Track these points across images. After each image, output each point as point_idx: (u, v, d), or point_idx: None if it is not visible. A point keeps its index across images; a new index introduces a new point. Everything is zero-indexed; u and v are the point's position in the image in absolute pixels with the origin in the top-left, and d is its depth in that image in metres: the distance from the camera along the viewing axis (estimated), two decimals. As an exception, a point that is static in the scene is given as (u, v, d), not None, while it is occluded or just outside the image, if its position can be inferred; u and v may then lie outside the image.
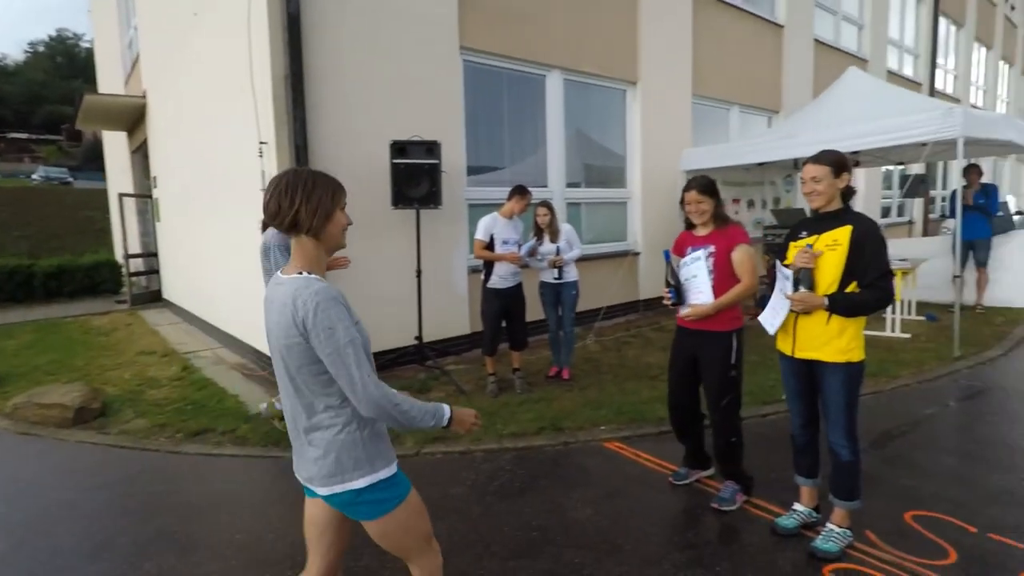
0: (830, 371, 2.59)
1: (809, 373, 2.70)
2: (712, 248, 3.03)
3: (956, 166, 7.11)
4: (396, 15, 5.73)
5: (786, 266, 2.69)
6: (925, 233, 15.21)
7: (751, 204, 9.33)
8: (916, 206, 15.82)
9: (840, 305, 2.50)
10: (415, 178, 5.42)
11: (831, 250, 2.54)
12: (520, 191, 5.07)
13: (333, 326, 1.57)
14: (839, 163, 2.60)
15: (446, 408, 1.77)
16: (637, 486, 3.45)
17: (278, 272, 1.73)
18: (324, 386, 1.64)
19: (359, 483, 1.66)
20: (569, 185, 7.76)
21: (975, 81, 20.18)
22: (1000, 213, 7.64)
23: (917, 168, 13.23)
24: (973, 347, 6.01)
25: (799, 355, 2.67)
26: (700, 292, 3.01)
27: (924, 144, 5.98)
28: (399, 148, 5.35)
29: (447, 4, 6.12)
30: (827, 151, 2.66)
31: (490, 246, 5.02)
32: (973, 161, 7.81)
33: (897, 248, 8.34)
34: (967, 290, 7.89)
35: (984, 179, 7.69)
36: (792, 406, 2.84)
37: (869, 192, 13.79)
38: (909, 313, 7.55)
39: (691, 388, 3.24)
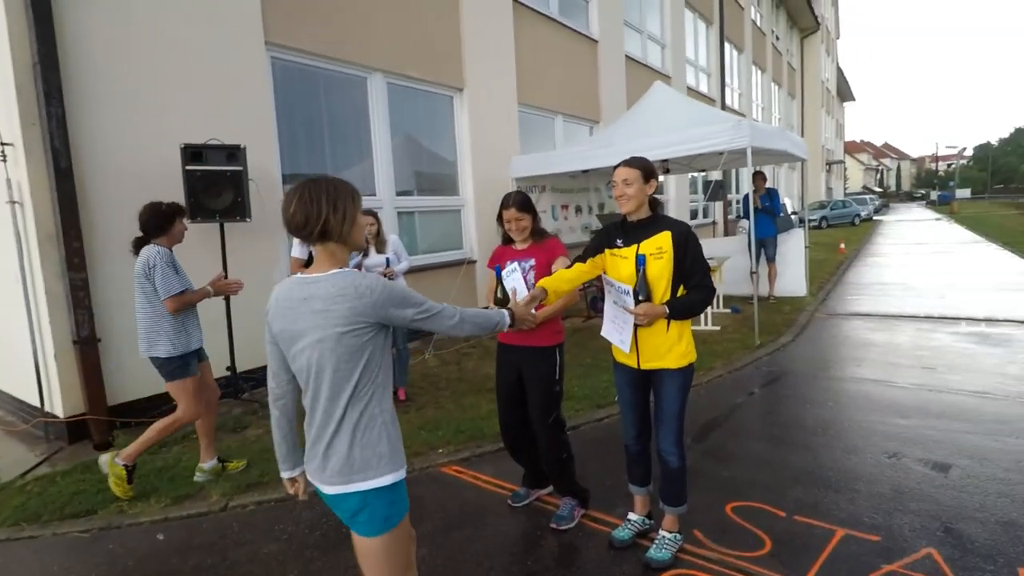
0: (671, 377, 2.60)
1: (646, 383, 2.70)
2: (533, 261, 2.99)
3: (746, 173, 7.93)
4: (179, 6, 4.99)
5: (610, 279, 2.63)
6: (726, 233, 17.18)
7: (578, 210, 9.73)
8: (717, 209, 17.82)
9: (679, 310, 2.52)
10: (215, 187, 4.74)
11: (657, 258, 2.52)
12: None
13: (405, 295, 1.75)
14: (648, 169, 2.62)
15: (506, 314, 2.11)
16: (476, 514, 3.25)
17: (297, 274, 1.78)
18: (365, 378, 1.70)
19: (383, 480, 1.71)
20: (400, 193, 7.43)
21: (755, 99, 23.32)
22: (782, 214, 8.73)
23: (716, 175, 14.87)
24: (770, 335, 6.74)
25: (644, 366, 2.64)
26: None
27: (721, 153, 6.59)
28: (193, 153, 4.64)
29: (248, -4, 5.49)
30: (637, 156, 2.68)
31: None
32: (758, 169, 8.83)
33: (704, 247, 9.20)
34: (761, 283, 8.93)
35: (768, 184, 8.74)
36: (627, 417, 2.81)
37: (679, 197, 15.20)
38: (718, 307, 8.33)
39: (520, 405, 3.12)
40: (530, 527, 3.09)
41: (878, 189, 73.76)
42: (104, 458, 3.60)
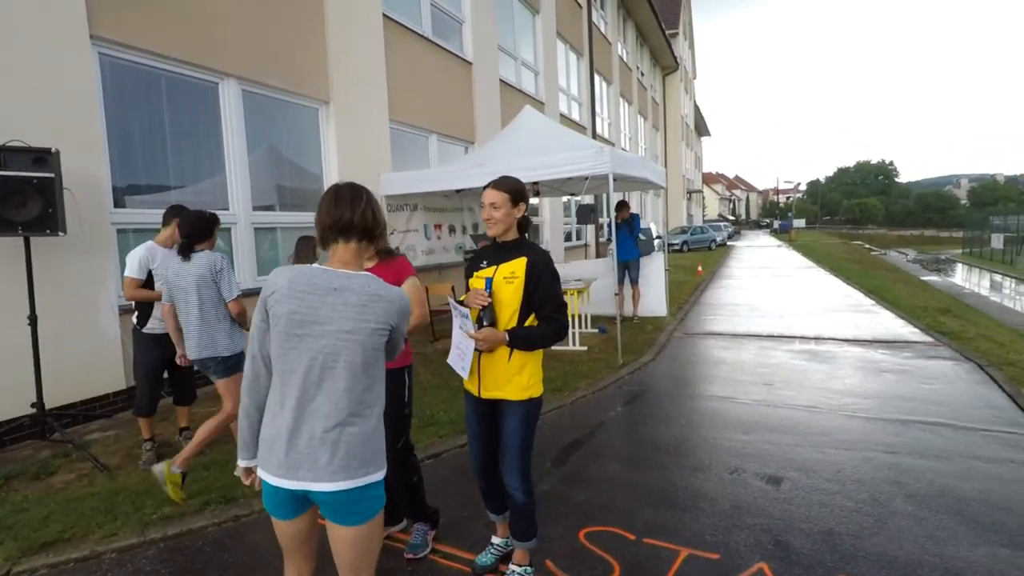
0: (511, 410, 2.51)
1: (492, 414, 2.60)
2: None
3: (616, 198, 8.29)
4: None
5: (461, 303, 2.56)
6: (598, 255, 17.96)
7: (452, 230, 9.64)
8: (589, 231, 18.61)
9: (520, 339, 2.43)
10: (18, 195, 4.07)
11: (509, 283, 2.46)
12: (176, 212, 4.16)
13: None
14: (517, 192, 2.54)
15: None
16: (321, 557, 2.95)
17: (324, 266, 1.81)
18: (375, 375, 1.79)
19: (381, 474, 1.79)
20: (258, 208, 6.90)
21: (623, 129, 24.81)
22: (643, 237, 9.22)
23: (589, 199, 15.51)
24: (633, 354, 7.02)
25: (485, 395, 2.55)
26: None
27: (586, 178, 6.82)
28: (-13, 156, 3.95)
29: (67, -20, 4.84)
30: (507, 177, 2.58)
31: (148, 283, 4.04)
32: (622, 197, 9.33)
33: (573, 269, 9.47)
34: (626, 303, 9.35)
35: (632, 210, 9.21)
36: (473, 448, 2.70)
37: (553, 219, 15.67)
38: (585, 327, 8.58)
39: None
40: (383, 568, 2.86)
41: (731, 217, 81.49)
42: (159, 467, 3.52)
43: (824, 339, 7.85)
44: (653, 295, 9.38)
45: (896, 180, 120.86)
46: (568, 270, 9.44)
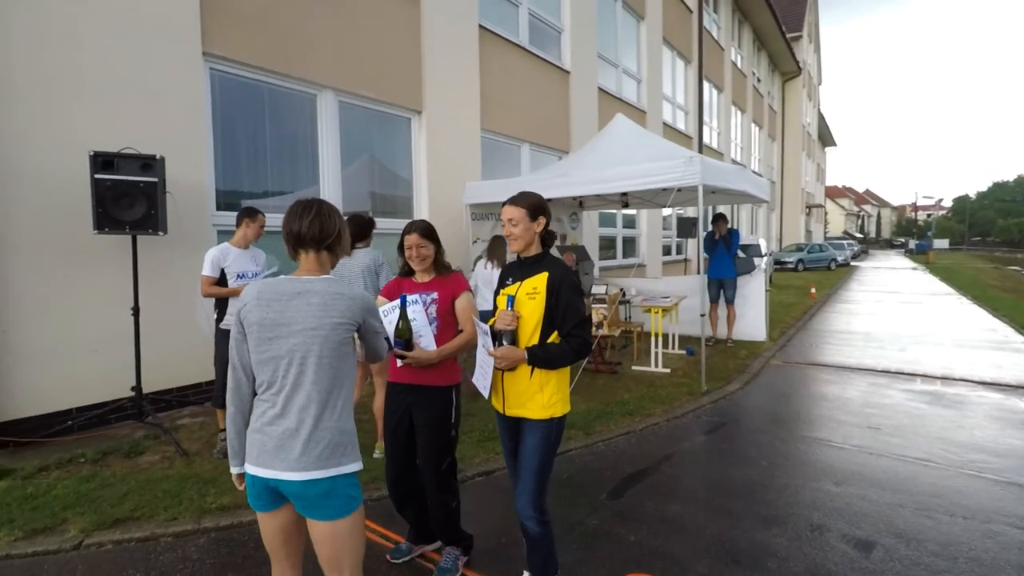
0: (530, 429, 2.41)
1: (519, 431, 2.49)
2: (435, 295, 2.78)
3: (724, 209, 7.79)
4: (110, 8, 4.77)
5: (478, 320, 2.55)
6: (700, 270, 17.06)
7: (539, 240, 9.48)
8: (691, 245, 17.75)
9: (539, 358, 2.34)
10: (126, 198, 4.46)
11: (531, 298, 2.40)
12: (248, 213, 4.39)
13: (375, 308, 2.06)
14: (535, 206, 2.46)
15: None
16: None
17: (287, 275, 1.99)
18: (343, 369, 1.92)
19: (352, 467, 1.90)
20: (349, 213, 7.13)
21: (734, 139, 23.53)
22: (741, 255, 8.55)
23: (693, 211, 14.78)
24: (718, 381, 6.48)
25: (509, 413, 2.48)
26: (420, 337, 2.69)
27: (679, 189, 6.39)
28: (104, 162, 4.37)
29: (184, 3, 5.26)
30: (525, 193, 2.50)
31: (222, 281, 4.26)
32: (719, 210, 8.73)
33: (663, 285, 8.98)
34: (721, 325, 8.71)
35: (738, 225, 8.58)
36: (510, 465, 2.63)
37: (651, 232, 15.11)
38: (672, 347, 8.08)
39: (410, 451, 2.84)
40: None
41: (858, 235, 75.01)
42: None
43: (953, 380, 6.82)
44: (751, 317, 8.66)
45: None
46: (658, 286, 8.96)
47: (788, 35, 28.54)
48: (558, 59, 11.03)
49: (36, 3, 4.42)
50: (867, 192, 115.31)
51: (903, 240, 75.62)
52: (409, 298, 2.75)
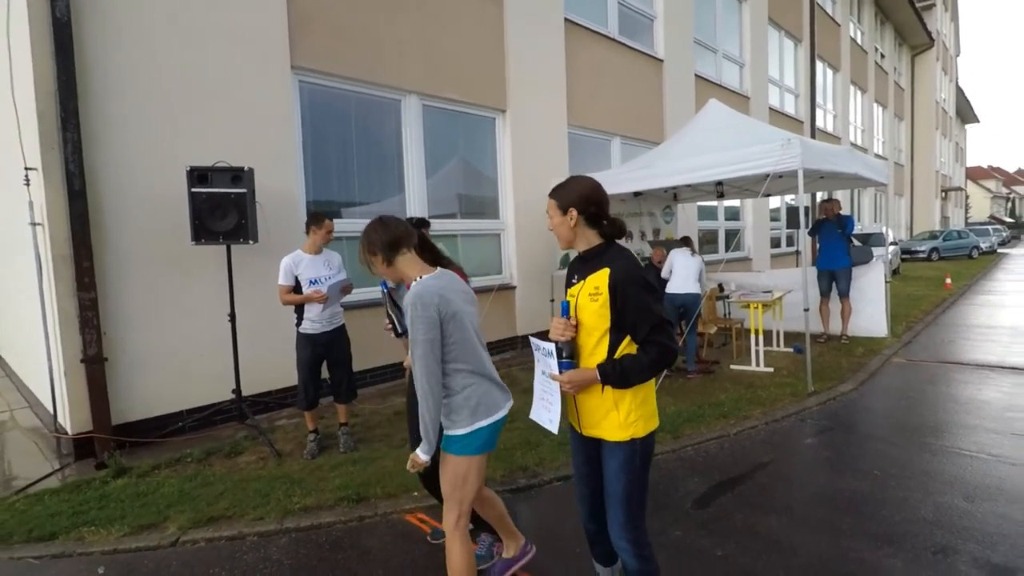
0: (610, 451, 2.10)
1: (598, 454, 2.18)
2: None
3: (841, 195, 7.17)
4: (206, 27, 5.14)
5: (536, 340, 2.20)
6: (798, 262, 15.82)
7: (630, 236, 9.19)
8: (802, 236, 16.47)
9: (612, 377, 2.01)
10: (220, 209, 4.75)
11: (593, 300, 2.04)
12: (314, 220, 4.52)
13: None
14: (567, 196, 2.15)
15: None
16: (420, 573, 2.89)
17: (442, 275, 2.36)
18: None
19: None
20: (441, 216, 7.30)
21: (853, 121, 21.61)
22: (857, 243, 7.76)
23: (806, 200, 13.77)
24: (828, 381, 5.90)
25: (585, 433, 2.17)
26: None
27: (780, 176, 5.91)
28: (199, 175, 4.68)
29: (273, 19, 5.57)
30: (569, 180, 2.20)
31: (297, 288, 4.43)
32: (829, 195, 7.98)
33: (767, 278, 8.37)
34: (834, 320, 7.97)
35: (857, 214, 7.83)
36: (578, 489, 2.31)
37: (757, 222, 14.22)
38: (777, 345, 7.50)
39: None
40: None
41: (1009, 219, 66.38)
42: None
43: None
44: (869, 312, 7.83)
45: None
46: (760, 279, 8.36)
47: (918, 3, 25.82)
48: (650, 48, 10.65)
49: (136, 31, 4.75)
50: (1019, 172, 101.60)
51: (1065, 223, 65.88)
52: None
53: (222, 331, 5.05)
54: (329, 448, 4.59)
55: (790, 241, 16.54)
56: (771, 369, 6.43)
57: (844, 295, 7.74)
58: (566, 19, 8.72)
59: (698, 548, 2.99)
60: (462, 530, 2.33)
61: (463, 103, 7.45)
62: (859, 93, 22.29)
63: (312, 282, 4.40)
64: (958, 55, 42.08)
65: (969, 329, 8.89)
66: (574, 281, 2.17)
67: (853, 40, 21.12)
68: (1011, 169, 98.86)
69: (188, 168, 4.66)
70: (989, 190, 71.08)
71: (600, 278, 2.04)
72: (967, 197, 53.73)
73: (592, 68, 9.29)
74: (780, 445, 4.44)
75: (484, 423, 2.29)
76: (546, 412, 2.16)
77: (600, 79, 9.48)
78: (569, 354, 2.07)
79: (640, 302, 1.99)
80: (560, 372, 2.07)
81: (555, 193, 2.17)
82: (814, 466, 4.08)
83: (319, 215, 4.55)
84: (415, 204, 6.99)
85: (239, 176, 4.78)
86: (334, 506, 3.62)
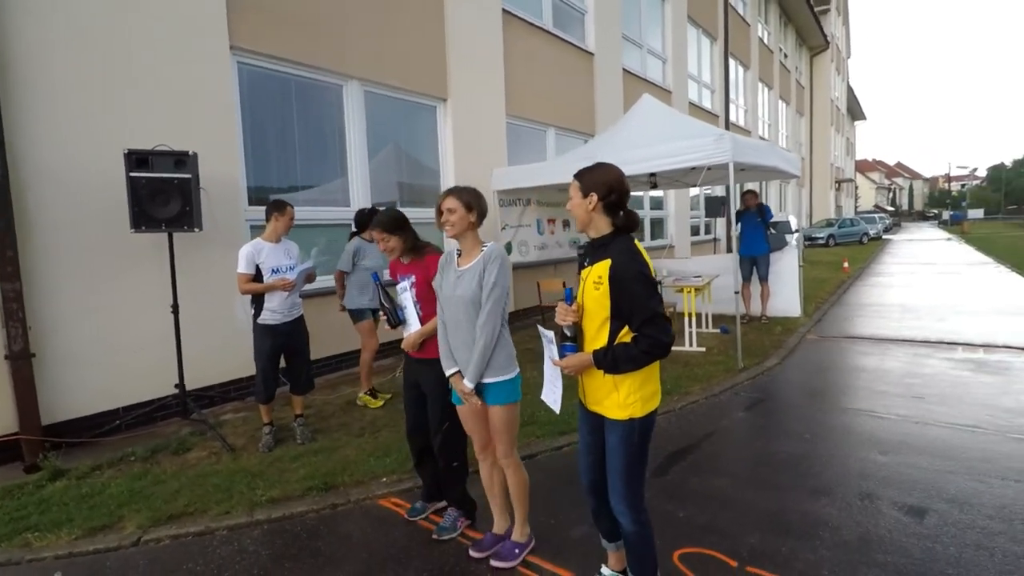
0: (610, 427, 2.23)
1: (602, 426, 2.29)
2: (413, 278, 3.02)
3: (750, 187, 7.68)
4: (138, 5, 4.85)
5: (544, 329, 2.36)
6: (729, 249, 16.85)
7: (566, 224, 9.48)
8: (720, 225, 17.51)
9: (604, 363, 2.12)
10: (162, 195, 4.53)
11: (596, 288, 2.13)
12: (276, 207, 4.43)
13: None
14: (591, 182, 2.20)
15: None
16: (400, 556, 2.97)
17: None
18: None
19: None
20: (381, 204, 7.23)
21: (761, 116, 23.06)
22: (773, 231, 8.43)
23: (720, 191, 14.60)
24: (755, 358, 6.43)
25: (590, 408, 2.31)
26: (411, 323, 3.01)
27: (708, 168, 6.31)
28: (139, 159, 4.43)
29: (210, -2, 5.33)
30: (588, 168, 2.27)
31: (258, 277, 4.32)
32: (749, 187, 8.58)
33: (694, 264, 8.91)
34: (754, 302, 8.62)
35: (768, 202, 8.46)
36: (582, 461, 2.44)
37: (679, 212, 14.95)
38: (706, 327, 8.03)
39: (422, 417, 3.12)
40: (460, 571, 2.81)
41: (889, 208, 73.01)
42: (359, 401, 5.37)
43: (996, 347, 6.67)
44: (785, 293, 8.56)
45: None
46: (688, 266, 8.89)
47: (816, 8, 27.77)
48: (582, 41, 10.93)
49: (70, 4, 4.47)
50: (898, 165, 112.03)
51: (936, 212, 73.42)
52: (401, 282, 3.04)
53: (162, 323, 4.84)
54: (285, 440, 4.52)
55: (707, 229, 17.53)
56: (703, 349, 6.90)
57: (764, 279, 8.38)
58: (504, 9, 8.82)
59: (663, 511, 3.25)
60: (515, 457, 2.78)
61: (405, 90, 7.41)
62: (766, 90, 23.80)
63: (274, 271, 4.31)
64: (849, 57, 45.68)
65: (867, 307, 9.88)
66: (585, 265, 2.27)
67: (761, 40, 22.49)
68: (891, 162, 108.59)
69: (126, 151, 4.41)
70: (874, 181, 77.85)
71: (603, 268, 2.14)
72: (856, 188, 58.57)
73: (528, 59, 9.45)
74: (720, 416, 4.83)
75: (517, 369, 2.69)
76: (552, 394, 2.34)
77: (536, 70, 9.66)
78: (573, 337, 2.20)
79: (635, 295, 2.08)
80: (561, 356, 2.22)
81: (581, 176, 2.24)
82: (752, 433, 4.48)
83: (282, 202, 4.45)
84: (358, 191, 6.90)
85: (183, 160, 4.57)
86: (303, 496, 3.61)
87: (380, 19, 6.97)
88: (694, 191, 15.70)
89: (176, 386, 4.84)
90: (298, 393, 4.64)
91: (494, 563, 2.80)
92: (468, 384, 2.60)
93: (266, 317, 4.37)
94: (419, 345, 3.00)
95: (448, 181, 8.08)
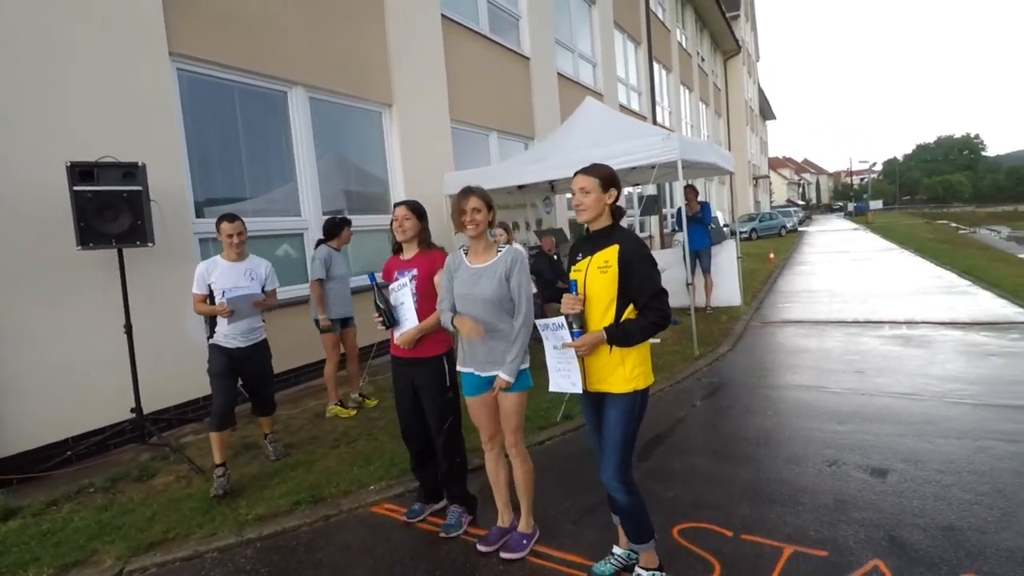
0: (612, 402, 2.40)
1: (603, 405, 2.49)
2: (415, 271, 3.05)
3: (680, 187, 8.03)
4: (72, 11, 4.58)
5: (544, 320, 2.48)
6: (663, 246, 17.52)
7: (515, 226, 9.60)
8: (653, 222, 18.18)
9: (618, 338, 2.32)
10: (111, 209, 4.31)
11: (603, 272, 2.36)
12: (227, 219, 3.98)
13: None
14: (609, 177, 2.45)
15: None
16: (406, 559, 2.96)
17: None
18: None
19: None
20: (330, 212, 7.09)
21: (684, 117, 24.11)
22: (713, 225, 8.89)
23: (651, 190, 15.15)
24: (708, 345, 6.77)
25: (592, 389, 2.47)
26: (407, 319, 3.02)
27: (653, 166, 6.60)
28: (83, 172, 4.20)
29: (147, 2, 5.10)
30: (598, 164, 2.50)
31: (213, 298, 3.96)
32: (689, 183, 8.99)
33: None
34: (698, 294, 9.03)
35: (699, 198, 8.89)
36: (593, 440, 2.62)
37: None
38: (656, 319, 8.34)
39: (420, 417, 3.16)
40: (470, 567, 2.84)
41: (800, 202, 77.90)
42: (329, 413, 5.25)
43: (916, 323, 7.32)
44: (727, 284, 9.03)
45: (984, 154, 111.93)
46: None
47: (727, 14, 29.33)
48: (517, 46, 11.12)
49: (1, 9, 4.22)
50: (806, 161, 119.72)
51: (841, 204, 79.00)
52: (398, 279, 3.05)
53: (110, 345, 4.59)
54: (257, 458, 4.39)
55: (642, 227, 18.15)
56: (659, 340, 7.17)
57: (707, 271, 8.82)
58: (443, 15, 8.85)
59: (652, 492, 3.39)
60: (523, 447, 2.89)
61: (350, 96, 7.31)
62: (687, 92, 24.92)
63: (224, 292, 3.89)
64: (758, 60, 48.50)
65: (798, 294, 10.57)
66: (579, 258, 2.46)
67: (680, 44, 23.55)
68: (799, 159, 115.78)
69: (68, 164, 4.16)
70: (785, 177, 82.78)
71: (610, 253, 2.35)
72: (771, 183, 62.15)
73: (468, 64, 9.52)
74: (687, 401, 5.07)
75: (529, 360, 2.80)
76: (566, 379, 2.44)
77: (476, 75, 9.74)
78: (579, 324, 2.37)
79: (646, 274, 2.32)
80: (572, 340, 2.35)
81: (593, 172, 2.43)
82: (720, 414, 4.74)
83: (231, 215, 4.01)
84: (308, 200, 6.75)
85: (132, 172, 4.37)
86: (291, 511, 3.52)
87: (323, 25, 6.86)
88: (627, 190, 16.24)
89: (132, 410, 4.60)
90: (261, 415, 4.37)
91: (504, 555, 2.85)
92: (509, 379, 2.69)
93: (219, 339, 3.98)
94: (414, 343, 3.01)
95: (397, 187, 8.02)
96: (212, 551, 3.19)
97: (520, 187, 8.47)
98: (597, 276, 2.37)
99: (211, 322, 4.07)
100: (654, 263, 2.37)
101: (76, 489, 4.00)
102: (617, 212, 2.48)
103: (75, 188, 4.17)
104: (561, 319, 2.37)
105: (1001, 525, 2.78)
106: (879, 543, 2.71)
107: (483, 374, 2.78)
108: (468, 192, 2.77)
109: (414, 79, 8.18)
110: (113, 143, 4.67)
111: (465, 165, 9.24)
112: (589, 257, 2.42)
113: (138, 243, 4.43)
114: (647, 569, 2.52)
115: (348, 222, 5.50)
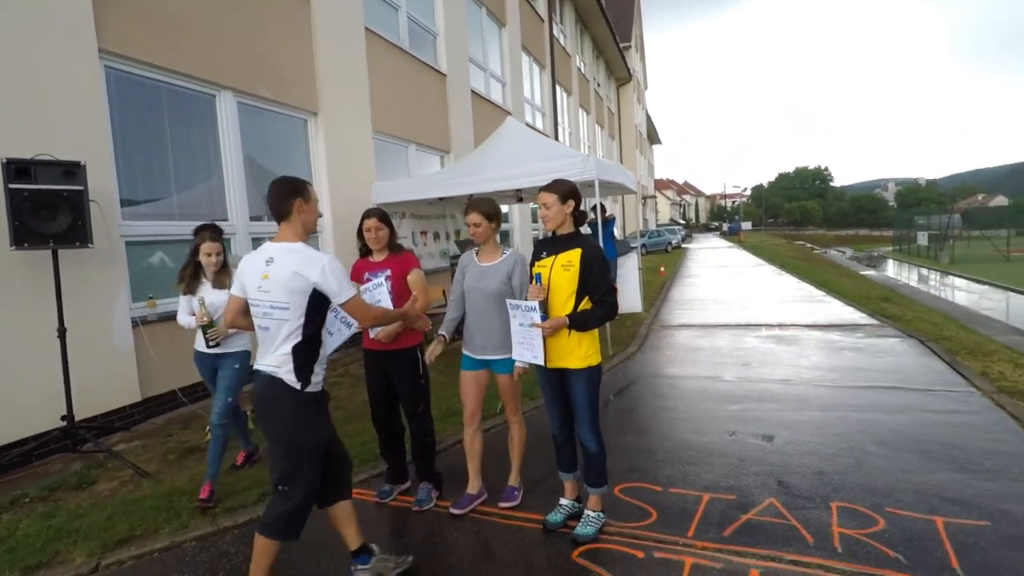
0: (575, 376, 2.94)
1: (561, 380, 3.03)
2: (389, 272, 3.34)
3: (591, 203, 8.82)
4: None
5: (515, 301, 3.00)
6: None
7: (436, 236, 9.99)
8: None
9: (578, 323, 2.85)
10: (48, 209, 4.20)
11: (566, 270, 2.87)
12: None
13: None
14: (565, 191, 2.96)
15: None
16: (387, 532, 3.30)
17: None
18: None
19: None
20: (253, 218, 7.11)
21: (583, 138, 25.59)
22: (620, 238, 9.81)
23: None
24: (619, 346, 7.56)
25: (551, 366, 2.97)
26: None
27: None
28: (19, 169, 4.08)
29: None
30: (558, 180, 3.02)
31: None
32: (600, 200, 9.87)
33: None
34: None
35: (607, 214, 9.77)
36: (550, 410, 3.16)
37: (523, 225, 16.16)
38: (569, 323, 9.06)
39: (391, 405, 3.52)
40: (461, 535, 3.23)
41: (682, 221, 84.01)
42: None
43: (787, 325, 8.58)
44: (630, 293, 9.94)
45: (831, 184, 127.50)
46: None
47: (621, 44, 31.49)
48: (435, 62, 11.54)
49: None
50: (686, 183, 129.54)
51: (717, 224, 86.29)
52: (374, 279, 3.29)
53: (36, 351, 4.41)
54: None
55: (545, 240, 19.08)
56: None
57: (612, 280, 9.67)
58: (366, 28, 9.10)
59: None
60: (520, 415, 3.43)
61: (277, 103, 7.37)
62: (585, 115, 26.50)
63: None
64: (647, 89, 52.16)
65: (689, 302, 11.82)
66: (543, 255, 2.99)
67: (579, 69, 25.06)
68: (680, 181, 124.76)
69: (3, 161, 4.04)
70: (668, 198, 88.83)
71: (574, 255, 2.91)
72: (656, 203, 66.60)
73: (389, 77, 9.80)
74: (608, 391, 5.74)
75: None
76: (529, 352, 2.95)
77: (397, 88, 10.04)
78: (542, 310, 2.89)
79: (602, 273, 2.90)
80: (540, 322, 2.87)
81: (555, 188, 2.96)
82: (638, 401, 5.45)
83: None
84: (236, 205, 6.76)
85: (73, 172, 4.29)
86: (261, 500, 3.57)
87: (253, 30, 6.92)
88: (532, 205, 17.05)
89: (63, 418, 4.38)
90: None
91: (501, 504, 3.36)
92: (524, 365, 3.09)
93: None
94: (393, 337, 3.32)
95: (322, 195, 8.13)
96: (190, 540, 3.23)
97: (441, 199, 8.86)
98: (561, 273, 2.89)
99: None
100: (608, 266, 2.97)
101: (9, 500, 3.80)
102: (580, 216, 3.02)
103: (10, 186, 4.04)
104: (534, 303, 2.88)
105: (855, 468, 3.66)
106: (772, 487, 3.46)
107: (478, 357, 3.25)
108: (471, 207, 3.22)
109: (339, 89, 8.36)
110: (41, 140, 4.50)
111: (385, 176, 9.48)
112: (553, 256, 2.95)
113: (77, 244, 4.33)
114: (594, 511, 3.08)
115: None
